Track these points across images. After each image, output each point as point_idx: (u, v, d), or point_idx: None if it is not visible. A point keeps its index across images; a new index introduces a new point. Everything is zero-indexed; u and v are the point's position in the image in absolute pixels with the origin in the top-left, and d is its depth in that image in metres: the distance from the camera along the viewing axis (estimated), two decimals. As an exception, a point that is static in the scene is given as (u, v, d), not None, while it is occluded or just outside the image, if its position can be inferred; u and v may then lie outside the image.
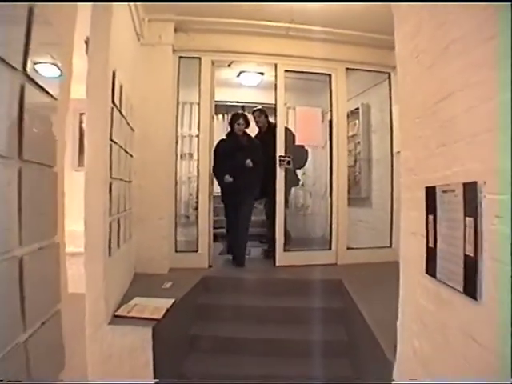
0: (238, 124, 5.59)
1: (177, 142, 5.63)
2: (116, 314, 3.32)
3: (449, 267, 1.57)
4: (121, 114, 3.59)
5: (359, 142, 6.90)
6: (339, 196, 5.73)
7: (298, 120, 5.86)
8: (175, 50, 5.23)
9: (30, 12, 1.41)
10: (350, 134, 6.79)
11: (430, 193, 1.74)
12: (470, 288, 1.38)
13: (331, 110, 5.88)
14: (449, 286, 1.57)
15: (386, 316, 2.61)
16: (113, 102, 3.23)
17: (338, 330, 4.27)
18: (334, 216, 5.78)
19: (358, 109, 6.82)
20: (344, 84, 5.81)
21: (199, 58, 5.41)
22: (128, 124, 4.10)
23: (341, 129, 5.82)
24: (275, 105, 5.71)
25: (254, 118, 6.25)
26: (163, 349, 3.36)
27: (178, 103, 5.49)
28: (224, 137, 5.91)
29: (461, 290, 1.45)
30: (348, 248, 5.79)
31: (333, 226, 5.80)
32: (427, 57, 1.81)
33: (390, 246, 5.70)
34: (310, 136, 5.82)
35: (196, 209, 7.23)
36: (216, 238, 6.05)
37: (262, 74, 7.11)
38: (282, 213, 5.62)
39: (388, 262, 4.79)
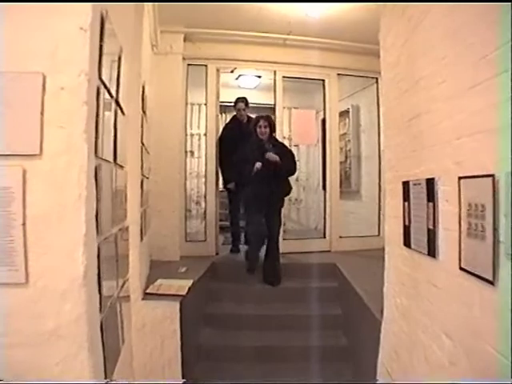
0: (260, 127, 5.12)
1: (186, 141, 6.22)
2: (146, 291, 3.90)
3: (418, 238, 2.18)
4: (145, 119, 4.16)
5: (349, 140, 7.49)
6: (332, 189, 6.36)
7: (294, 121, 6.52)
8: (184, 59, 5.79)
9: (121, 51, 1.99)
10: (341, 132, 7.37)
11: (405, 186, 2.35)
12: (431, 250, 2.00)
13: (324, 110, 6.52)
14: (418, 251, 2.19)
15: (374, 289, 3.20)
16: (142, 109, 3.80)
17: (333, 305, 4.90)
18: (327, 208, 6.41)
19: (348, 109, 7.41)
20: (336, 88, 6.44)
21: (206, 66, 6.00)
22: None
23: (333, 127, 6.45)
24: (274, 106, 6.31)
25: (238, 109, 6.22)
26: (186, 322, 3.95)
27: (186, 105, 6.09)
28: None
29: (426, 252, 2.07)
30: (340, 237, 6.41)
31: (326, 217, 6.43)
32: (404, 84, 2.42)
33: (378, 234, 6.30)
34: (305, 136, 6.44)
35: (197, 203, 7.85)
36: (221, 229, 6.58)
37: (259, 77, 7.68)
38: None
39: (377, 249, 5.37)
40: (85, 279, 1.44)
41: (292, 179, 7.70)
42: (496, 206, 1.41)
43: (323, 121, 6.63)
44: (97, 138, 1.53)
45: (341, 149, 7.27)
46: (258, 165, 4.96)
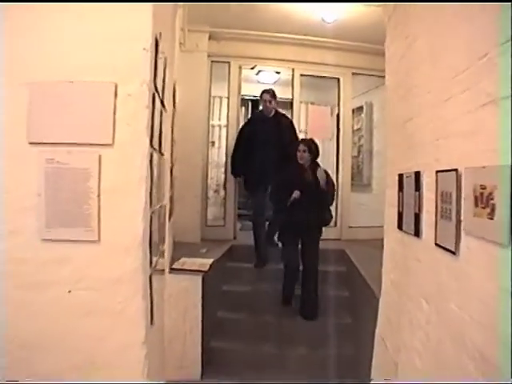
0: (299, 151, 4.93)
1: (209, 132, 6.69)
2: (172, 267, 4.37)
3: (408, 221, 2.61)
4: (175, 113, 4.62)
5: (362, 136, 7.89)
6: (344, 182, 6.80)
7: (310, 116, 6.94)
8: (209, 56, 6.25)
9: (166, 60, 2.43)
10: (355, 128, 7.78)
11: (400, 178, 2.77)
12: (417, 231, 2.42)
13: (338, 107, 6.94)
14: (408, 233, 2.61)
15: (378, 274, 3.61)
16: (174, 106, 4.25)
17: (341, 288, 5.35)
18: (339, 199, 6.83)
19: (362, 106, 7.81)
20: (350, 86, 6.87)
21: (228, 63, 6.46)
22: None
23: (346, 123, 6.90)
24: (292, 100, 6.79)
25: (264, 100, 5.77)
26: (206, 296, 4.43)
27: (210, 97, 6.55)
28: None
29: (413, 233, 2.49)
30: (350, 227, 6.85)
31: (338, 208, 6.85)
32: (401, 91, 2.83)
33: (386, 225, 6.71)
34: (320, 130, 6.85)
35: (215, 191, 8.30)
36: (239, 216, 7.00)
37: (278, 73, 8.08)
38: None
39: (383, 239, 5.82)
40: (142, 239, 1.91)
41: None
42: (458, 193, 1.83)
43: (338, 116, 7.04)
44: (152, 132, 1.99)
45: (354, 144, 7.69)
46: (296, 194, 4.73)
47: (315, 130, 6.83)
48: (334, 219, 6.86)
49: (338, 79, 6.83)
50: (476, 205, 1.64)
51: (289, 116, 6.39)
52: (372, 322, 3.48)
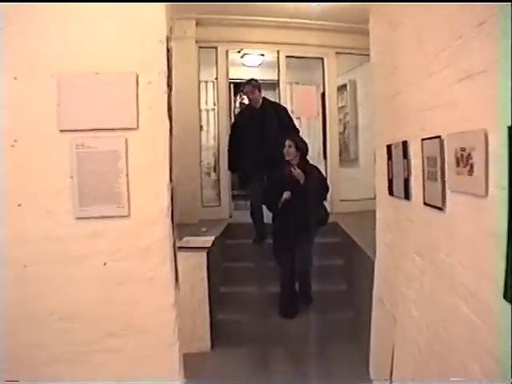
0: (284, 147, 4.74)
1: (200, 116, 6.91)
2: (178, 246, 4.61)
3: (398, 186, 2.88)
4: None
5: (348, 112, 8.14)
6: (332, 158, 7.08)
7: (295, 96, 7.18)
8: (197, 41, 6.43)
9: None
10: (340, 105, 8.00)
11: (389, 148, 3.04)
12: (407, 194, 2.70)
13: (323, 86, 7.19)
14: (398, 197, 2.89)
15: (370, 240, 3.86)
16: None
17: (335, 258, 5.65)
18: (328, 174, 7.10)
19: (346, 84, 8.03)
20: (334, 65, 7.13)
21: (216, 48, 6.65)
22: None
23: (331, 101, 7.18)
24: (278, 81, 7.08)
25: (245, 92, 5.81)
26: (210, 271, 4.69)
27: (199, 82, 6.75)
28: None
29: (403, 197, 2.77)
30: (341, 200, 7.13)
31: (328, 183, 7.12)
32: (387, 69, 3.08)
33: (375, 197, 7.01)
34: (306, 109, 7.12)
35: (207, 174, 8.52)
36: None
37: (262, 55, 8.26)
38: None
39: (373, 210, 6.11)
40: (167, 211, 2.15)
41: None
42: (442, 157, 2.09)
43: (323, 95, 7.30)
44: (170, 114, 2.23)
45: (340, 120, 7.93)
46: (287, 195, 4.59)
47: (302, 109, 7.08)
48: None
49: (322, 59, 7.06)
50: (458, 165, 1.91)
51: (278, 102, 6.54)
52: (369, 286, 3.77)
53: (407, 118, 2.68)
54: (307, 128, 9.55)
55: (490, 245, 1.67)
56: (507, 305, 1.54)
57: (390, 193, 3.09)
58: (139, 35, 2.12)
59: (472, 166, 1.78)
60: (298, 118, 8.59)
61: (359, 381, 3.67)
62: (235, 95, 9.40)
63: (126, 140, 2.11)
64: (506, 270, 1.53)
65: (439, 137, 2.11)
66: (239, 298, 5.28)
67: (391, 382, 3.10)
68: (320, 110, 7.61)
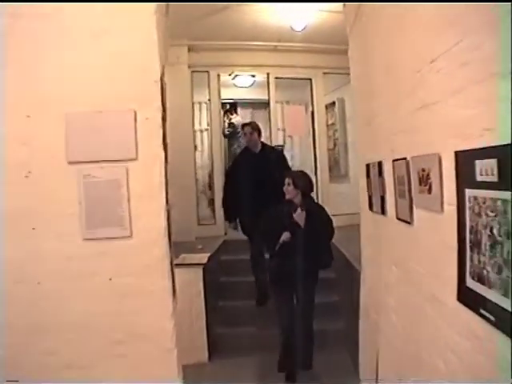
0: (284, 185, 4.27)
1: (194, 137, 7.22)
2: (175, 263, 4.85)
3: (375, 203, 3.15)
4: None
5: (337, 130, 8.43)
6: (322, 174, 7.37)
7: (286, 116, 7.52)
8: (189, 67, 6.75)
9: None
10: (330, 122, 8.32)
11: (367, 167, 3.32)
12: (383, 210, 2.96)
13: (312, 105, 7.52)
14: (376, 212, 3.15)
15: (358, 253, 4.12)
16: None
17: (327, 271, 5.88)
18: (319, 190, 7.39)
19: (334, 102, 8.35)
20: (322, 85, 7.48)
21: (208, 72, 6.99)
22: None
23: (320, 119, 7.52)
24: (268, 102, 7.43)
25: (245, 133, 5.45)
26: (207, 287, 4.93)
27: (193, 104, 7.07)
28: None
29: (380, 212, 3.03)
30: (332, 215, 7.37)
31: (319, 198, 7.40)
32: (364, 93, 3.38)
33: (365, 210, 7.30)
34: (296, 128, 7.42)
35: (202, 192, 8.78)
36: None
37: (253, 76, 8.60)
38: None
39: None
40: (165, 232, 2.42)
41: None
42: (408, 177, 2.36)
43: (312, 113, 7.62)
44: (165, 146, 2.50)
45: (329, 137, 8.24)
46: (286, 236, 4.07)
47: (292, 127, 7.40)
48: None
49: (311, 79, 7.40)
50: (420, 184, 2.17)
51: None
52: (357, 297, 4.00)
53: (382, 140, 2.96)
54: (299, 145, 9.91)
55: (447, 254, 1.92)
56: (460, 305, 1.79)
57: (370, 208, 3.35)
58: (136, 77, 2.41)
59: (431, 185, 2.04)
60: (290, 136, 8.97)
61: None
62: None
63: (127, 169, 2.38)
64: (458, 276, 1.79)
65: (405, 158, 2.38)
66: (236, 311, 5.51)
67: (377, 381, 3.33)
68: (310, 128, 7.91)
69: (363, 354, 3.90)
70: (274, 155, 5.49)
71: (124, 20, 2.41)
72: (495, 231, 1.47)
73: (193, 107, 7.17)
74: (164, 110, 2.49)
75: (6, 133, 2.35)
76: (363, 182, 3.56)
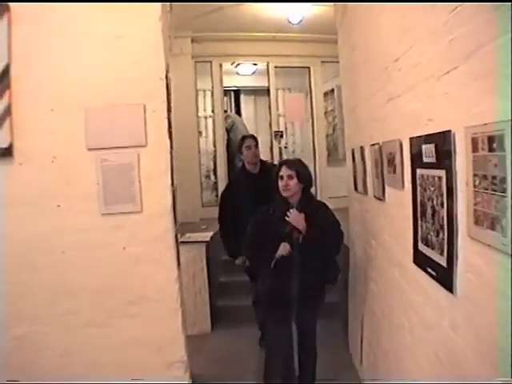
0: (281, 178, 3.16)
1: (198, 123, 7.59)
2: (180, 240, 5.25)
3: (359, 184, 3.52)
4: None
5: (336, 116, 8.76)
6: (320, 158, 7.72)
7: (286, 103, 7.85)
8: (193, 57, 7.09)
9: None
10: (329, 109, 8.63)
11: (353, 152, 3.68)
12: (365, 190, 3.32)
13: (310, 92, 7.85)
14: (360, 192, 3.52)
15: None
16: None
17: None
18: (317, 174, 7.75)
19: (333, 89, 8.66)
20: (320, 73, 7.79)
21: (210, 62, 7.33)
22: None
23: (318, 106, 7.83)
24: (268, 88, 7.80)
25: (247, 146, 4.35)
26: (210, 264, 5.33)
27: (196, 92, 7.43)
28: None
29: (363, 192, 3.39)
30: (329, 197, 7.76)
31: (317, 183, 7.77)
32: (350, 84, 3.73)
33: (361, 193, 7.66)
34: (296, 115, 7.77)
35: (207, 177, 9.14)
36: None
37: (255, 64, 8.89)
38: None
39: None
40: (170, 208, 2.81)
41: (289, 152, 9.19)
42: (381, 160, 2.73)
43: (311, 99, 7.96)
44: (170, 135, 2.88)
45: (329, 123, 8.56)
46: (284, 250, 3.05)
47: (292, 114, 7.74)
48: (315, 193, 7.86)
49: (309, 68, 7.72)
50: (388, 165, 2.55)
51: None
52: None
53: (362, 127, 3.33)
54: (300, 131, 10.23)
55: (408, 225, 2.28)
56: (415, 267, 2.16)
57: (356, 189, 3.72)
58: (145, 75, 2.80)
59: (395, 166, 2.41)
60: (292, 123, 9.30)
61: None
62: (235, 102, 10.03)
63: (138, 155, 2.78)
64: (414, 242, 2.16)
65: (378, 143, 2.75)
66: (237, 286, 5.89)
67: (362, 348, 3.72)
68: (310, 115, 8.25)
69: (352, 323, 4.29)
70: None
71: (134, 27, 2.79)
72: (434, 202, 1.85)
73: (197, 95, 7.50)
74: (169, 102, 2.85)
75: (33, 124, 2.75)
76: (349, 165, 3.92)
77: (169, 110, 2.91)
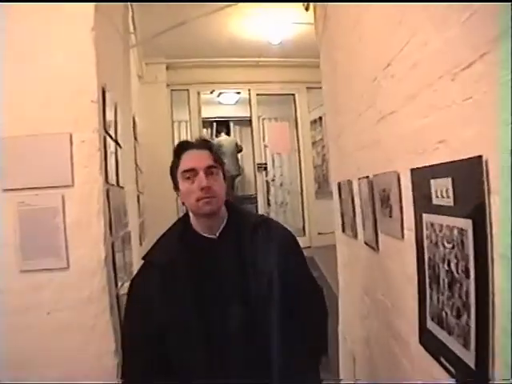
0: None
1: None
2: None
3: (347, 225, 2.94)
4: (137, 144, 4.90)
5: (324, 146, 8.28)
6: (307, 191, 7.16)
7: (269, 133, 7.34)
8: (168, 85, 6.59)
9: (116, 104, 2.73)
10: (317, 138, 8.16)
11: (339, 185, 3.12)
12: (354, 233, 2.74)
13: (296, 121, 7.35)
14: (349, 235, 2.94)
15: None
16: (134, 137, 4.54)
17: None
18: (305, 209, 7.19)
19: (321, 117, 8.21)
20: (306, 100, 7.28)
21: (187, 90, 6.82)
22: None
23: (305, 136, 7.32)
24: (250, 118, 7.22)
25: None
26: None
27: (172, 123, 6.89)
28: None
29: (352, 235, 2.81)
30: (319, 233, 7.18)
31: (305, 217, 7.20)
32: (333, 109, 3.19)
33: (352, 228, 7.10)
34: (280, 146, 7.24)
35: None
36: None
37: (238, 93, 8.46)
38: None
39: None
40: (105, 263, 2.20)
41: (276, 185, 8.63)
42: (372, 197, 2.15)
43: (297, 129, 7.46)
44: (106, 170, 2.30)
45: (318, 153, 8.07)
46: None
47: (276, 145, 7.21)
48: (302, 228, 7.29)
49: (294, 95, 7.23)
50: (382, 206, 1.97)
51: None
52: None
53: (348, 157, 2.76)
54: (288, 163, 9.72)
55: (409, 287, 1.68)
56: (422, 349, 1.55)
57: (343, 231, 3.14)
58: (71, 96, 2.21)
59: (391, 207, 1.83)
60: (279, 154, 8.80)
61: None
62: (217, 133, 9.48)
63: (63, 196, 2.17)
64: (419, 315, 1.56)
65: (367, 177, 2.18)
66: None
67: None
68: (296, 145, 7.74)
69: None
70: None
71: (58, 38, 2.22)
72: (453, 266, 1.25)
73: (173, 126, 6.98)
74: (135, 137, 2.26)
75: None
76: (336, 201, 3.35)
77: (117, 142, 2.33)
